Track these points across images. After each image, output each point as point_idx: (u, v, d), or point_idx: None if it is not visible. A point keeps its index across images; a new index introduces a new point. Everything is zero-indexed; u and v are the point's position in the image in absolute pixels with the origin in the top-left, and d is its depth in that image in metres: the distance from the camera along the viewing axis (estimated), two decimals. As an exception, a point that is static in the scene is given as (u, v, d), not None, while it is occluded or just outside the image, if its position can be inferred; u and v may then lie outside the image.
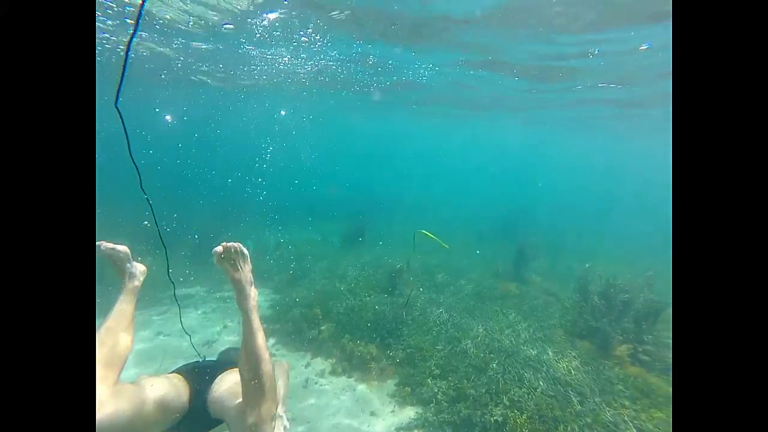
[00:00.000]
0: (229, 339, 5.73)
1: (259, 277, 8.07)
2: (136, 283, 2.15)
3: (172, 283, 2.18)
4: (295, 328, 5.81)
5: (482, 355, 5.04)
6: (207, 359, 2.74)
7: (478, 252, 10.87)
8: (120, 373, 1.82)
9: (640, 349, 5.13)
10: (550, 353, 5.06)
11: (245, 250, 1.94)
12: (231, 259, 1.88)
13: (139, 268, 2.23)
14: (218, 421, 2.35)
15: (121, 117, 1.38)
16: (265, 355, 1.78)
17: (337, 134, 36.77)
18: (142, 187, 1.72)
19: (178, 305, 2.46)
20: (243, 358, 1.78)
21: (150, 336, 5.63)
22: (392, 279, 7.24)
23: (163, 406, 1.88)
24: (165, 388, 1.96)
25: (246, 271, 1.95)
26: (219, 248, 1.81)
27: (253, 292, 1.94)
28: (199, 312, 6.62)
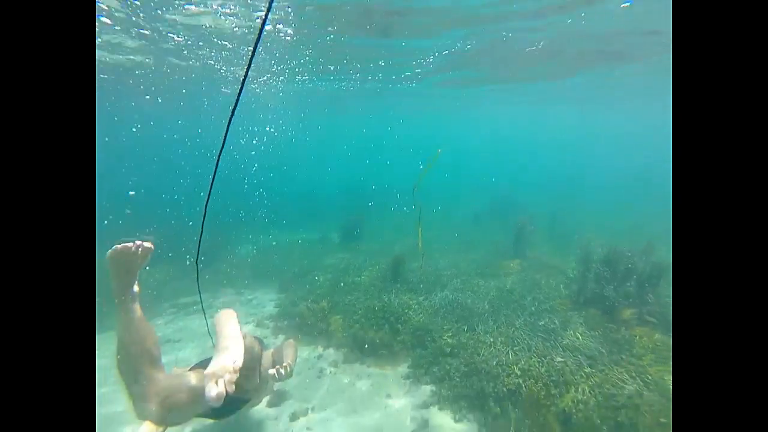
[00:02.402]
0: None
1: (262, 277, 8.13)
2: (137, 288, 2.26)
3: (198, 285, 2.27)
4: (303, 322, 5.84)
5: (490, 330, 5.12)
6: None
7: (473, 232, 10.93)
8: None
9: (645, 311, 5.22)
10: (557, 322, 5.13)
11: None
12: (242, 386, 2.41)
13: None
14: (242, 401, 2.58)
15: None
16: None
17: (324, 129, 36.59)
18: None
19: (201, 301, 2.57)
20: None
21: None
22: (395, 268, 7.28)
23: (195, 395, 2.18)
24: (197, 377, 2.29)
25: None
26: (220, 391, 1.89)
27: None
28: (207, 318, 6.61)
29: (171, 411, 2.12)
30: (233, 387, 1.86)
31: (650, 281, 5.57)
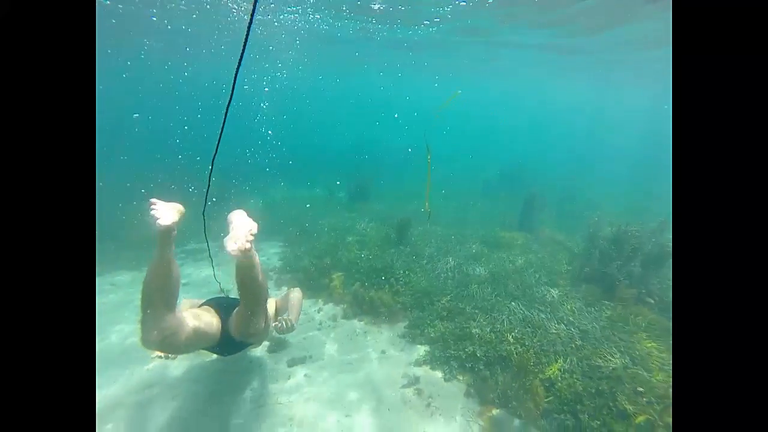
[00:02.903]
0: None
1: (268, 231, 8.25)
2: (175, 232, 2.31)
3: (206, 238, 2.35)
4: (306, 276, 6.00)
5: (488, 298, 5.21)
6: (230, 296, 3.05)
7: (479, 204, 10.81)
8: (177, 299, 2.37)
9: (645, 291, 5.23)
10: (555, 296, 5.19)
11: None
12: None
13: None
14: (246, 344, 2.75)
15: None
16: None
17: (337, 86, 35.33)
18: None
19: (209, 248, 2.66)
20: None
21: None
22: (400, 230, 7.31)
23: (199, 334, 2.39)
24: (203, 319, 2.48)
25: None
26: (240, 246, 2.04)
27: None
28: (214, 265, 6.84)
29: (171, 347, 2.26)
30: (250, 245, 2.07)
31: (656, 262, 5.52)
